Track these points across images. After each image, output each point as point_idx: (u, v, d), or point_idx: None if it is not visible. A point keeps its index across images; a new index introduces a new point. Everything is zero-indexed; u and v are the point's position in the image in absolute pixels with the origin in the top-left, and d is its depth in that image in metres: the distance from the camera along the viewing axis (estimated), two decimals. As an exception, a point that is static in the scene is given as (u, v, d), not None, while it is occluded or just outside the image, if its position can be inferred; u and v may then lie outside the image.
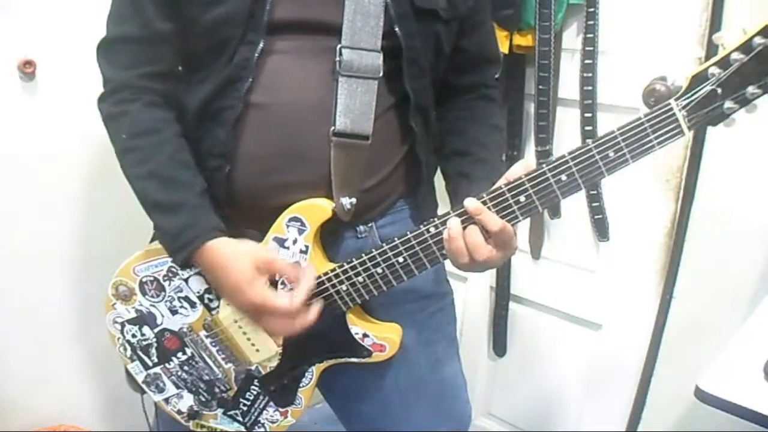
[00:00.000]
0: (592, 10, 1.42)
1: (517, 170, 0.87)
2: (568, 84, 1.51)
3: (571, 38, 1.50)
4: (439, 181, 1.15)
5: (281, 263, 0.96)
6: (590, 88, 1.47)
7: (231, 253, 0.95)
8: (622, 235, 1.55)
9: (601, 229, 1.56)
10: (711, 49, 1.31)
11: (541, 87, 1.51)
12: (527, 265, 1.72)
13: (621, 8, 1.42)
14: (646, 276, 1.53)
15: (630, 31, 1.42)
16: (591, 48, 1.44)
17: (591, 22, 1.42)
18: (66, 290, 1.58)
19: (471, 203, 0.87)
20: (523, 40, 1.49)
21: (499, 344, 1.83)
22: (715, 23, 1.30)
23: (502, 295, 1.77)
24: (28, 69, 1.39)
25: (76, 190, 1.53)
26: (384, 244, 0.94)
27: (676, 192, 1.44)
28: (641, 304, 1.54)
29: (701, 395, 0.90)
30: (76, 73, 1.43)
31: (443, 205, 1.13)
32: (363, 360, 1.03)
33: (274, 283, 0.97)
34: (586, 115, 1.49)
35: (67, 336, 1.61)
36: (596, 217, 1.55)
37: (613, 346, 1.62)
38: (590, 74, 1.46)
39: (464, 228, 0.88)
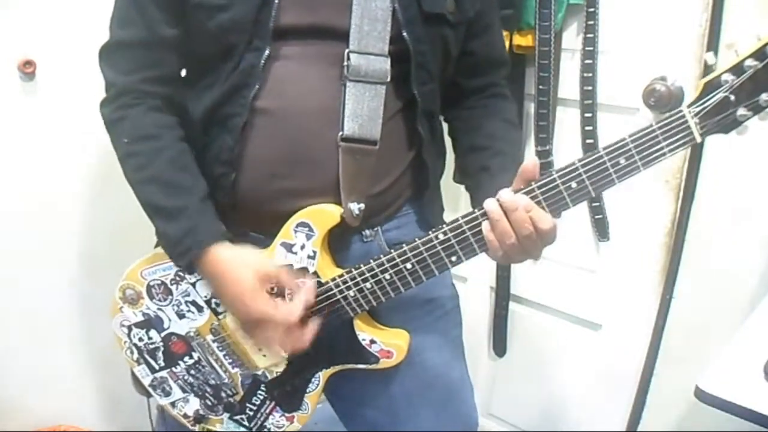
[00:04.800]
0: (592, 10, 1.42)
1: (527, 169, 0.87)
2: (568, 84, 1.51)
3: (571, 38, 1.50)
4: (445, 184, 1.15)
5: (283, 274, 0.96)
6: (590, 88, 1.47)
7: (233, 263, 0.94)
8: (622, 235, 1.55)
9: (601, 229, 1.56)
10: (711, 50, 1.31)
11: (541, 87, 1.51)
12: (527, 265, 1.71)
13: (621, 8, 1.41)
14: (646, 276, 1.53)
15: (630, 31, 1.42)
16: (591, 48, 1.44)
17: (591, 22, 1.42)
18: (66, 290, 1.58)
19: (506, 195, 0.86)
20: (523, 40, 1.48)
21: (499, 344, 1.83)
22: (715, 23, 1.30)
23: (502, 295, 1.77)
24: (28, 69, 1.39)
25: (76, 190, 1.53)
26: (392, 250, 0.94)
27: (676, 192, 1.44)
28: (641, 304, 1.54)
29: (701, 395, 0.90)
30: (76, 73, 1.43)
31: (449, 210, 1.13)
32: (370, 366, 1.03)
33: (278, 295, 0.97)
34: (586, 115, 1.49)
35: (67, 336, 1.61)
36: (596, 217, 1.55)
37: (613, 346, 1.62)
38: (590, 74, 1.46)
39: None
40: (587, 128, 1.50)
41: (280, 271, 0.96)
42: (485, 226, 0.89)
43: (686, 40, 1.34)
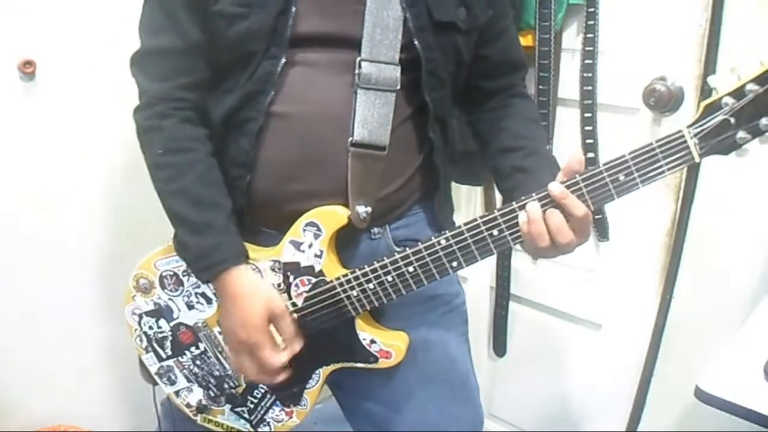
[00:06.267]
0: (592, 10, 1.42)
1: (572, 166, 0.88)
2: (568, 84, 1.51)
3: (571, 38, 1.50)
4: (455, 186, 1.15)
5: (288, 325, 1.00)
6: (590, 88, 1.47)
7: (250, 289, 0.98)
8: (622, 235, 1.55)
9: (601, 229, 1.56)
10: (711, 49, 1.31)
11: (541, 87, 1.52)
12: (527, 265, 1.72)
13: (621, 8, 1.41)
14: (646, 276, 1.53)
15: (630, 31, 1.42)
16: (591, 48, 1.44)
17: (591, 22, 1.43)
18: (66, 291, 1.57)
19: (556, 187, 0.87)
20: (523, 40, 1.48)
21: (499, 344, 1.84)
22: (715, 23, 1.30)
23: (502, 295, 1.77)
24: (28, 69, 1.39)
25: (75, 190, 1.53)
26: (396, 254, 0.96)
27: (676, 192, 1.44)
28: (641, 304, 1.54)
29: (701, 395, 0.91)
30: (76, 73, 1.43)
31: (459, 211, 1.14)
32: (369, 366, 1.05)
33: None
34: (586, 115, 1.49)
35: (68, 336, 1.60)
36: (596, 217, 1.55)
37: (613, 346, 1.62)
38: (590, 74, 1.46)
39: (543, 212, 0.89)
40: (587, 128, 1.50)
41: (286, 317, 1.00)
42: (522, 216, 0.89)
43: (686, 40, 1.35)
